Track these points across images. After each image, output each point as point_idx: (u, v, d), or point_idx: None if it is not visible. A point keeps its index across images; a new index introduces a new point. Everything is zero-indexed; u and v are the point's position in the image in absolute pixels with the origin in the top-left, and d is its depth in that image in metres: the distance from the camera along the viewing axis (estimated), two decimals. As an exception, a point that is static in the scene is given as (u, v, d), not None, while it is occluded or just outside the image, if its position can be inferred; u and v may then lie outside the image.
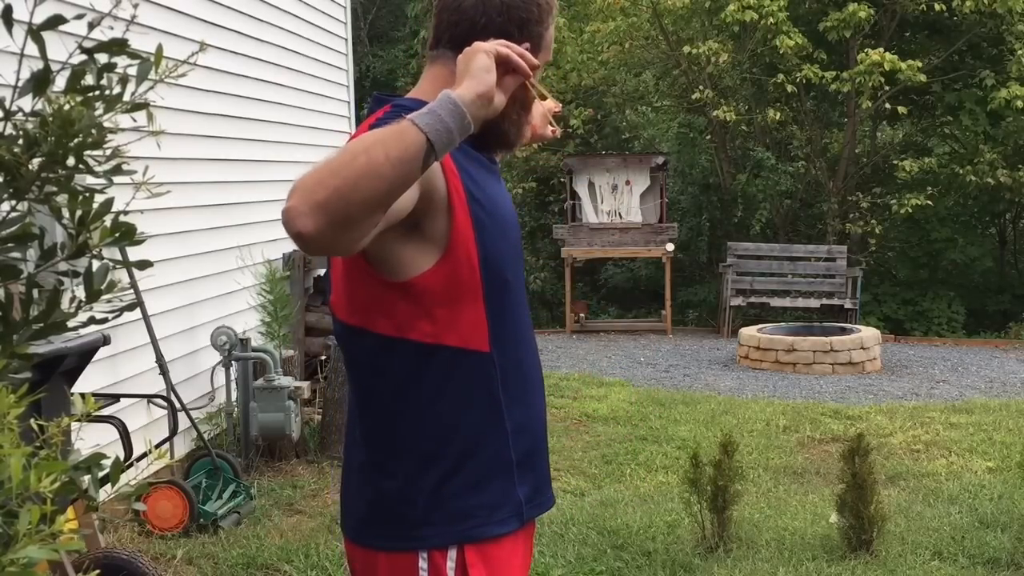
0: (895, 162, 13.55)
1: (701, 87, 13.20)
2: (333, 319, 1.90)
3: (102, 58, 1.37)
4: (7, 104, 1.35)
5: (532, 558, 2.03)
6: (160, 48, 1.40)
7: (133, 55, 1.38)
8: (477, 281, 1.78)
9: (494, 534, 1.82)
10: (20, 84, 1.35)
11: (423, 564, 1.79)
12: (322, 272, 7.38)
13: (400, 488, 1.80)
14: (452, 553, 1.80)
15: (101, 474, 1.39)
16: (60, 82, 1.36)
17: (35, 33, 1.33)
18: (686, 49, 13.09)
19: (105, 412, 4.15)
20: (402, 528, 1.80)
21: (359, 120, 8.76)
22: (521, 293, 1.93)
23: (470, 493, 1.80)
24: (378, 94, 1.92)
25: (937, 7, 12.15)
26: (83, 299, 1.40)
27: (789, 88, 12.64)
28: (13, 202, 1.36)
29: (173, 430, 4.62)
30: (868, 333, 10.19)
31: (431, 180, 1.68)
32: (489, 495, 1.82)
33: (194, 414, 5.39)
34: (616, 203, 12.78)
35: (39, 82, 1.34)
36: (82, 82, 1.34)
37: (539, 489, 1.93)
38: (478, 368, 1.81)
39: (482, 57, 1.62)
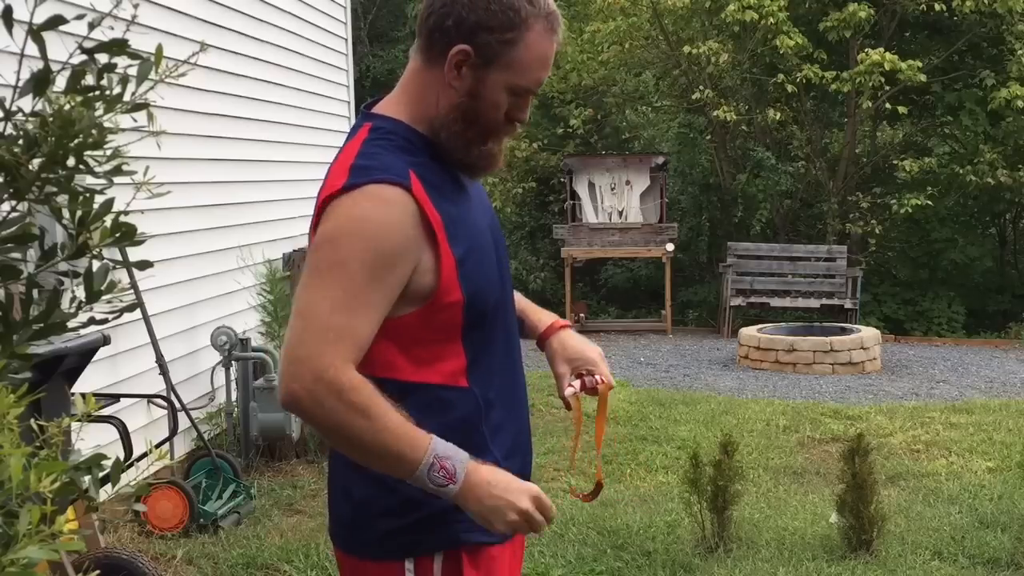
0: (895, 162, 13.54)
1: (701, 87, 13.18)
2: None
3: (102, 58, 1.37)
4: (7, 104, 1.35)
5: (522, 561, 2.03)
6: (160, 48, 1.40)
7: (133, 55, 1.38)
8: (458, 320, 1.77)
9: (483, 541, 1.81)
10: (20, 84, 1.35)
11: (409, 568, 1.79)
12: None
13: (387, 498, 1.78)
14: (438, 560, 1.79)
15: (101, 474, 1.39)
16: (60, 82, 1.36)
17: (35, 33, 1.33)
18: (686, 49, 13.08)
19: (105, 412, 4.15)
20: (388, 536, 1.80)
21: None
22: (506, 312, 1.90)
23: (459, 510, 1.75)
24: (366, 109, 1.86)
25: (937, 7, 12.15)
26: (83, 299, 1.40)
27: (789, 88, 12.64)
28: (13, 202, 1.36)
29: (173, 430, 4.61)
30: (868, 333, 10.19)
31: (420, 258, 1.71)
32: None
33: (194, 414, 5.38)
34: (616, 203, 12.78)
35: (39, 82, 1.33)
36: (82, 82, 1.34)
37: None
38: (460, 403, 1.79)
39: (524, 501, 1.71)
